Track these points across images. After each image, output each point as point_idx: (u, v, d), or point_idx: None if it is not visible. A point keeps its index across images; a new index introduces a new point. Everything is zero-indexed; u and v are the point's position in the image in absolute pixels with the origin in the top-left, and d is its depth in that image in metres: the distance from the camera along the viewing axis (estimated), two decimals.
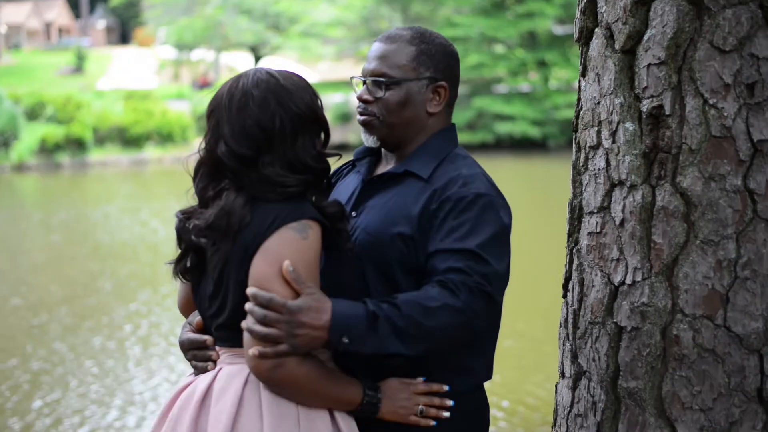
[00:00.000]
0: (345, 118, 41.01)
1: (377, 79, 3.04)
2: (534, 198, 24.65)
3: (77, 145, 40.13)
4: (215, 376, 2.84)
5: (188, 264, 2.93)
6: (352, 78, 3.17)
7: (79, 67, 57.94)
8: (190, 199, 2.94)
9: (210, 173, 2.88)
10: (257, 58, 55.51)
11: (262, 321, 2.69)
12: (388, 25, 45.94)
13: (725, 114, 2.71)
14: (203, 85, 52.41)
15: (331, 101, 42.23)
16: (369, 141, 3.11)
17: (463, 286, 2.78)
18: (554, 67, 43.67)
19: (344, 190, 3.20)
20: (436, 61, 3.06)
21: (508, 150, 41.31)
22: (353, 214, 3.08)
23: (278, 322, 2.69)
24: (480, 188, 2.91)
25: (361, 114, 3.09)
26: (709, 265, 2.74)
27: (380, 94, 3.04)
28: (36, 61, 62.66)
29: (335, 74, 51.02)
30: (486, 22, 42.89)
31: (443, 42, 3.12)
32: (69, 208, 25.76)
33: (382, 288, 2.94)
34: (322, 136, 2.93)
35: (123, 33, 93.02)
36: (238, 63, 59.48)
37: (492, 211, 2.90)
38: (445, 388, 2.92)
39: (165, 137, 41.94)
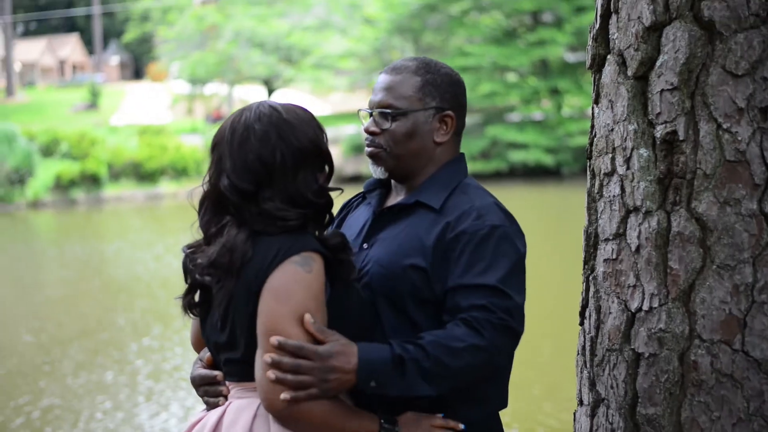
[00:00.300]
0: (358, 149, 41.03)
1: (384, 111, 3.05)
2: (548, 226, 24.61)
3: (92, 180, 40.26)
4: (225, 410, 2.84)
5: (195, 299, 2.93)
6: (359, 111, 3.18)
7: (93, 104, 58.23)
8: (197, 233, 2.96)
9: (213, 207, 2.89)
10: (270, 91, 55.69)
11: (295, 370, 2.70)
12: (400, 56, 46.09)
13: (739, 138, 2.71)
14: (217, 118, 52.61)
15: (344, 133, 42.36)
16: (377, 173, 3.12)
17: (487, 324, 2.80)
18: (567, 94, 43.70)
19: (355, 223, 3.21)
20: (442, 90, 3.07)
21: (522, 178, 41.29)
22: (365, 246, 3.08)
23: (311, 370, 2.70)
24: (495, 220, 2.92)
25: (368, 146, 3.09)
26: (726, 290, 2.73)
27: (387, 125, 3.05)
28: (50, 98, 63.02)
29: (348, 105, 51.20)
30: (498, 50, 42.98)
31: (449, 71, 3.13)
32: (83, 243, 25.81)
33: (395, 320, 2.95)
34: (326, 169, 2.93)
35: (136, 68, 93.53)
36: (252, 96, 59.71)
37: (508, 242, 2.91)
38: (461, 426, 2.91)
39: (179, 172, 42.06)
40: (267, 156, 2.81)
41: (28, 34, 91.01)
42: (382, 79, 3.10)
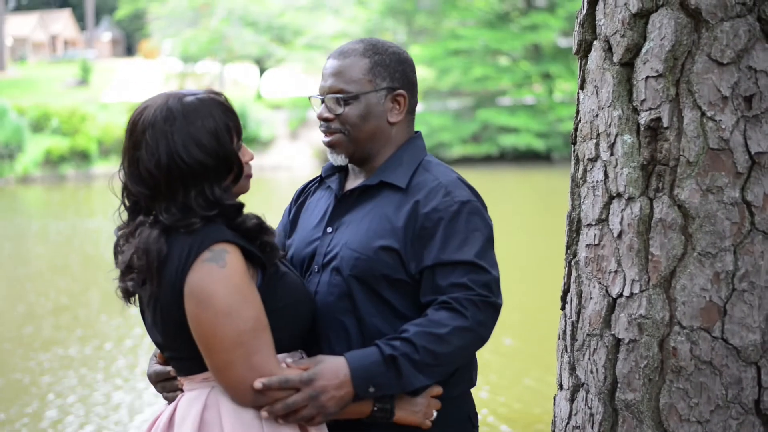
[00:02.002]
0: None
1: (335, 96, 3.04)
2: (538, 210, 24.64)
3: (82, 157, 40.23)
4: (176, 405, 2.83)
5: (130, 287, 2.79)
6: (310, 97, 3.17)
7: (84, 80, 58.01)
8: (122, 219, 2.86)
9: (128, 199, 2.81)
10: (262, 70, 55.58)
11: (290, 409, 2.72)
12: (393, 38, 46.01)
13: (723, 126, 2.72)
14: None
15: None
16: (337, 160, 3.11)
17: (468, 303, 2.83)
18: (558, 79, 43.73)
19: (316, 207, 3.21)
20: (391, 70, 3.06)
21: (513, 162, 41.33)
22: (329, 230, 3.08)
23: (302, 400, 2.73)
24: (463, 195, 2.95)
25: (324, 133, 3.08)
26: (707, 278, 2.74)
27: (340, 110, 3.04)
28: (41, 74, 62.72)
29: None
30: (490, 34, 42.96)
31: (396, 50, 3.12)
32: (70, 219, 25.76)
33: (370, 303, 2.96)
34: (231, 174, 2.80)
35: (128, 45, 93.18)
36: (244, 75, 59.58)
37: (478, 217, 2.95)
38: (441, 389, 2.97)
39: None
40: (154, 171, 2.71)
41: (20, 8, 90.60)
42: (331, 64, 3.08)
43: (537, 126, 41.49)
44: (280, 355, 2.82)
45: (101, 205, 30.66)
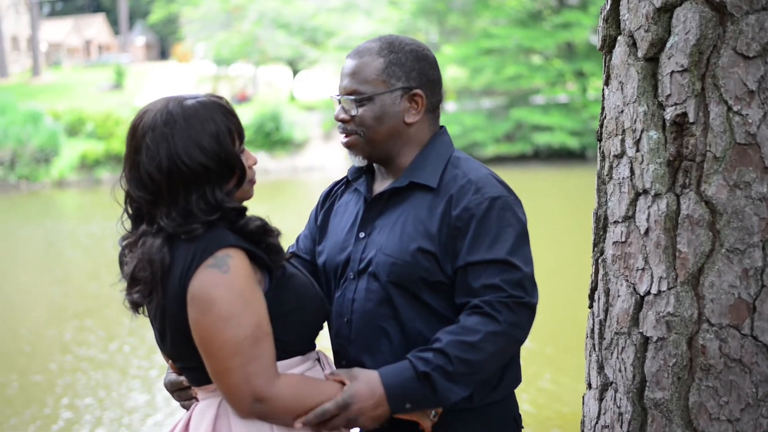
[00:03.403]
0: None
1: (349, 98, 2.99)
2: (573, 208, 24.51)
3: (117, 160, 40.37)
4: (191, 414, 2.82)
5: (137, 298, 2.76)
6: (330, 97, 3.11)
7: (118, 84, 58.29)
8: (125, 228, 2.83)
9: (131, 207, 2.78)
10: (295, 72, 55.68)
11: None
12: (425, 38, 45.97)
13: (750, 121, 2.68)
14: (242, 99, 52.59)
15: None
16: (356, 162, 3.07)
17: (500, 305, 2.79)
18: (592, 77, 43.50)
19: (345, 212, 3.16)
20: (407, 69, 2.99)
21: (547, 161, 41.18)
22: (361, 235, 3.03)
23: (341, 423, 2.73)
24: (493, 191, 2.90)
25: (341, 133, 3.04)
26: (736, 274, 2.71)
27: (354, 112, 2.99)
28: (76, 78, 63.09)
29: None
30: (523, 33, 42.82)
31: (414, 48, 3.04)
32: (103, 222, 25.89)
33: (412, 309, 2.92)
34: (233, 177, 2.76)
35: (162, 49, 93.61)
36: (277, 77, 59.70)
37: (510, 212, 2.89)
38: None
39: None
40: (155, 174, 2.67)
41: (54, 14, 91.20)
42: (347, 64, 3.03)
43: (571, 124, 41.30)
44: (294, 359, 2.79)
45: None
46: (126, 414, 9.17)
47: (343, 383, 2.78)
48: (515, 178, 27.25)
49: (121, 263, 2.80)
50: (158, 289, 2.67)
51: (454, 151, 3.06)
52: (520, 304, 2.81)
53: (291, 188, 34.20)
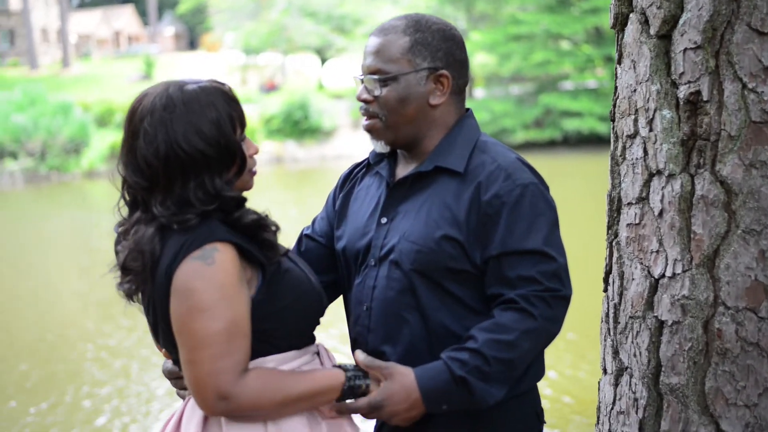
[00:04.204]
0: None
1: (372, 77, 2.88)
2: (601, 194, 24.33)
3: None
4: (185, 406, 2.77)
5: (128, 290, 2.73)
6: (354, 77, 2.99)
7: (147, 75, 58.46)
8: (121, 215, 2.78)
9: (127, 193, 2.72)
10: (323, 60, 55.65)
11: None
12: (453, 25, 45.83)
13: (765, 98, 2.60)
14: (270, 88, 52.63)
15: None
16: (378, 147, 2.96)
17: (537, 300, 2.72)
18: None
19: (366, 196, 3.05)
20: (433, 49, 2.88)
21: (576, 146, 40.94)
22: (383, 221, 2.93)
23: (371, 418, 2.74)
24: (524, 178, 2.80)
25: (363, 115, 2.93)
26: (752, 256, 2.64)
27: (377, 92, 2.88)
28: (105, 69, 63.29)
29: None
30: (551, 18, 42.58)
31: (441, 27, 2.92)
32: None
33: (435, 299, 2.83)
34: (233, 166, 2.69)
35: (191, 39, 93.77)
36: (305, 65, 59.67)
37: (542, 200, 2.81)
38: None
39: None
40: (152, 160, 2.61)
41: (83, 5, 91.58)
42: (371, 42, 2.92)
43: (600, 109, 41.03)
44: (290, 353, 2.73)
45: None
46: (144, 403, 9.18)
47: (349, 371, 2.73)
48: (544, 164, 27.12)
49: (117, 251, 2.74)
50: (147, 280, 2.63)
51: (480, 134, 2.96)
52: (556, 297, 2.75)
53: (319, 176, 34.14)
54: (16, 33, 72.07)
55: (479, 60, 44.64)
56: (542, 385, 8.76)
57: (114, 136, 40.94)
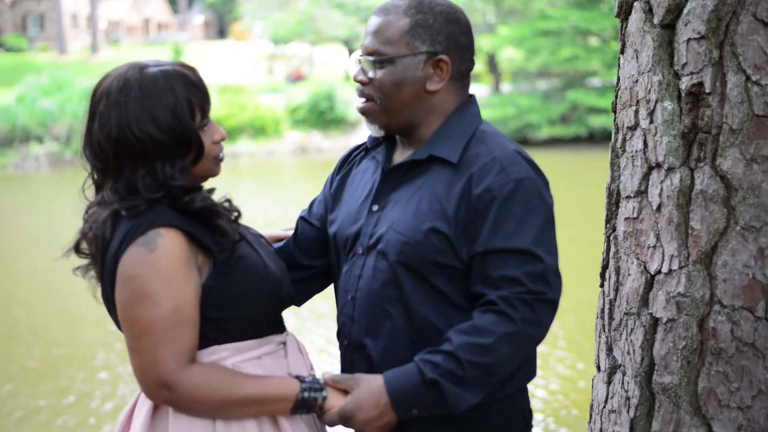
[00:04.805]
0: None
1: (369, 58, 2.77)
2: None
3: None
4: (138, 398, 2.73)
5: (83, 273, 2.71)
6: (354, 57, 2.88)
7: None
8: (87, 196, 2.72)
9: (94, 173, 2.69)
10: (351, 51, 55.57)
11: None
12: (481, 19, 45.67)
13: None
14: (297, 78, 52.62)
15: None
16: (373, 131, 2.86)
17: (518, 302, 2.59)
18: None
19: (361, 181, 2.95)
20: (434, 32, 2.75)
21: (602, 143, 40.67)
22: (374, 208, 2.83)
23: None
24: (519, 172, 2.67)
25: (360, 97, 2.83)
26: (750, 253, 2.55)
27: (373, 74, 2.77)
28: (134, 56, 63.31)
29: None
30: (580, 14, 42.31)
31: (445, 9, 2.79)
32: None
33: (420, 293, 2.72)
34: (189, 154, 2.63)
35: (221, 28, 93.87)
36: (333, 56, 59.61)
37: (536, 196, 2.67)
38: None
39: (258, 130, 42.16)
40: (104, 143, 2.56)
41: None
42: (371, 21, 2.81)
43: None
44: (250, 342, 2.67)
45: None
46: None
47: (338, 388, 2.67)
48: (569, 161, 27.03)
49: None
50: (98, 265, 2.59)
51: (480, 123, 2.83)
52: (540, 301, 2.61)
53: None
54: (46, 18, 72.37)
55: (507, 54, 44.47)
56: (543, 383, 8.68)
57: None
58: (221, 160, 2.72)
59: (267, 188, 26.58)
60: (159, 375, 2.50)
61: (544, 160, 33.15)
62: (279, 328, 2.79)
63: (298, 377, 2.65)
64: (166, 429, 2.59)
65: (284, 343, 2.77)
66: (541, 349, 9.75)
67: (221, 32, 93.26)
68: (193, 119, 2.60)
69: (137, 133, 2.53)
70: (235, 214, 2.72)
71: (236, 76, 54.89)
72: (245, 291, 2.64)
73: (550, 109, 41.32)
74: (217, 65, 59.18)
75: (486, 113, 38.82)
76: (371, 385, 2.61)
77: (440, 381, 2.56)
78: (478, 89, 44.26)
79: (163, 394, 2.52)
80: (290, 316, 11.14)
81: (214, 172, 2.71)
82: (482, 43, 43.24)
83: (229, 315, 2.62)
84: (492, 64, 44.83)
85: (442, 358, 2.58)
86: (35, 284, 14.76)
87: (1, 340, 11.32)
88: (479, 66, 45.81)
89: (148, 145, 2.54)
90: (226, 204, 2.72)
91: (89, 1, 65.83)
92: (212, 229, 2.61)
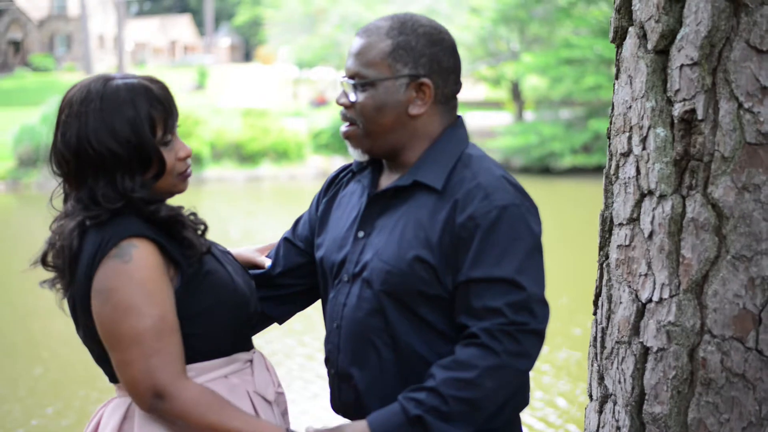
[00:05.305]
0: None
1: (350, 81, 2.71)
2: None
3: (194, 160, 40.64)
4: (104, 409, 2.69)
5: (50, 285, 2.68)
6: (339, 80, 2.82)
7: (200, 84, 58.81)
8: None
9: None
10: None
11: None
12: (506, 47, 45.69)
13: (761, 119, 2.50)
14: (320, 103, 52.71)
15: None
16: (356, 155, 2.79)
17: (501, 334, 2.51)
18: None
19: (348, 205, 2.88)
20: (416, 54, 2.67)
21: None
22: (360, 234, 2.76)
23: None
24: (503, 199, 2.58)
25: (343, 121, 2.77)
26: (741, 283, 2.52)
27: (354, 97, 2.71)
28: (160, 78, 63.72)
29: None
30: (604, 43, 42.22)
31: (428, 30, 2.70)
32: None
33: (406, 322, 2.65)
34: (149, 168, 2.60)
35: (247, 51, 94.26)
36: None
37: (521, 223, 2.58)
38: None
39: (281, 154, 42.25)
40: (66, 153, 2.57)
41: (141, 14, 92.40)
42: (354, 42, 2.74)
43: None
44: (217, 361, 2.64)
45: (209, 206, 31.01)
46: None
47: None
48: (591, 190, 26.89)
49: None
50: (66, 277, 2.57)
51: (467, 146, 2.75)
52: (524, 332, 2.52)
53: None
54: (73, 38, 72.88)
55: (530, 82, 44.45)
56: (546, 412, 8.59)
57: None
58: (187, 176, 2.70)
59: (288, 211, 26.62)
60: (153, 385, 2.48)
61: (567, 189, 33.07)
62: (246, 345, 2.76)
63: (287, 429, 2.61)
64: None
65: (251, 361, 2.75)
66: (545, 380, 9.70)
67: (247, 55, 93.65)
68: (154, 134, 2.59)
69: (95, 145, 2.53)
70: (202, 227, 2.69)
71: (261, 99, 55.09)
72: (211, 307, 2.62)
73: (572, 138, 41.25)
74: (242, 88, 59.43)
75: (509, 141, 39.10)
76: (355, 430, 2.55)
77: (425, 417, 2.50)
78: (502, 117, 44.31)
79: (157, 404, 2.49)
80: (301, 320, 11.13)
81: (178, 189, 2.69)
82: (506, 70, 43.30)
83: (195, 331, 2.59)
84: (515, 91, 44.80)
85: (425, 395, 2.52)
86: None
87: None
88: (503, 93, 45.85)
89: (106, 158, 2.53)
90: (192, 217, 2.69)
91: (116, 23, 66.20)
92: (179, 241, 2.59)
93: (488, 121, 43.89)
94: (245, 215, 27.64)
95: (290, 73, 59.61)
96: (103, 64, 71.52)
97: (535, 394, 8.86)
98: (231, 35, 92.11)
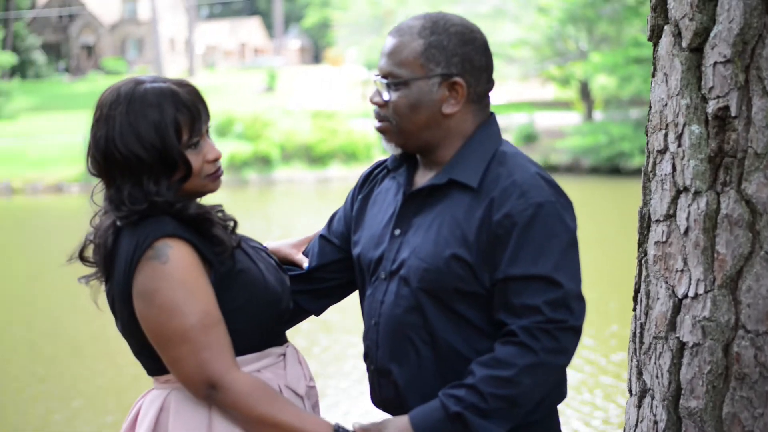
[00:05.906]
0: (529, 138, 40.56)
1: (383, 80, 2.74)
2: None
3: (263, 162, 40.99)
4: (143, 402, 2.77)
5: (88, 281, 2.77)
6: (373, 79, 2.85)
7: (270, 86, 59.20)
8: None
9: None
10: None
11: None
12: (574, 46, 45.43)
13: None
14: None
15: (515, 121, 41.89)
16: (389, 148, 2.81)
17: (539, 332, 2.56)
18: None
19: (384, 202, 2.91)
20: (449, 53, 2.69)
21: None
22: (397, 232, 2.80)
23: None
24: (539, 196, 2.62)
25: (376, 118, 2.79)
26: None
27: (388, 96, 2.73)
28: (230, 80, 64.23)
29: (520, 95, 50.71)
30: None
31: (460, 29, 2.72)
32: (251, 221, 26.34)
33: (444, 319, 2.70)
34: (175, 172, 2.66)
35: (316, 53, 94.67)
36: None
37: (557, 220, 2.62)
38: None
39: (349, 155, 42.39)
40: (96, 155, 2.64)
41: (211, 17, 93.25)
42: (387, 42, 2.77)
43: None
44: (250, 356, 2.71)
45: (279, 208, 31.24)
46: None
47: None
48: None
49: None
50: (104, 273, 2.66)
51: (501, 144, 2.78)
52: (562, 329, 2.57)
53: None
54: (144, 42, 73.79)
55: (599, 82, 44.12)
56: (585, 409, 8.56)
57: (233, 147, 41.58)
58: (218, 176, 2.76)
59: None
60: (207, 378, 2.57)
61: (637, 189, 32.70)
62: (279, 340, 2.83)
63: (335, 424, 2.66)
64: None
65: (284, 355, 2.81)
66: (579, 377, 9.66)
67: (317, 57, 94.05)
68: (180, 138, 2.64)
69: (121, 149, 2.59)
70: (231, 223, 2.75)
71: (329, 101, 55.34)
72: (242, 305, 2.69)
73: (642, 138, 40.82)
74: (311, 90, 59.72)
75: (577, 141, 38.84)
76: (397, 425, 2.61)
77: (464, 413, 2.55)
78: (571, 117, 44.05)
79: (213, 394, 2.58)
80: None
81: (208, 189, 2.75)
82: (574, 70, 43.03)
83: (227, 328, 2.65)
84: (584, 91, 44.52)
85: (464, 392, 2.57)
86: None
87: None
88: (572, 93, 45.59)
89: (132, 161, 2.60)
90: (220, 214, 2.74)
91: (187, 26, 66.98)
92: (209, 239, 2.65)
93: (557, 121, 43.63)
94: (313, 214, 27.77)
95: (358, 74, 59.77)
96: (174, 67, 72.32)
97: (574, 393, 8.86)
98: (300, 37, 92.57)
